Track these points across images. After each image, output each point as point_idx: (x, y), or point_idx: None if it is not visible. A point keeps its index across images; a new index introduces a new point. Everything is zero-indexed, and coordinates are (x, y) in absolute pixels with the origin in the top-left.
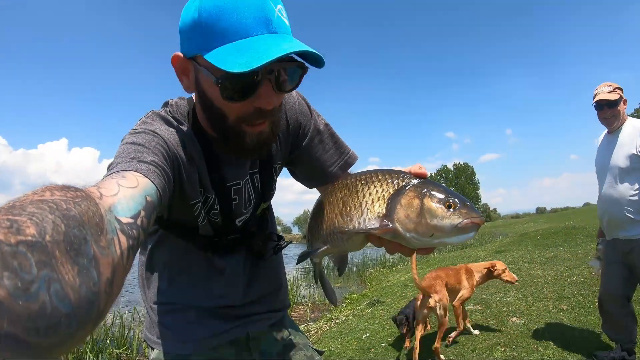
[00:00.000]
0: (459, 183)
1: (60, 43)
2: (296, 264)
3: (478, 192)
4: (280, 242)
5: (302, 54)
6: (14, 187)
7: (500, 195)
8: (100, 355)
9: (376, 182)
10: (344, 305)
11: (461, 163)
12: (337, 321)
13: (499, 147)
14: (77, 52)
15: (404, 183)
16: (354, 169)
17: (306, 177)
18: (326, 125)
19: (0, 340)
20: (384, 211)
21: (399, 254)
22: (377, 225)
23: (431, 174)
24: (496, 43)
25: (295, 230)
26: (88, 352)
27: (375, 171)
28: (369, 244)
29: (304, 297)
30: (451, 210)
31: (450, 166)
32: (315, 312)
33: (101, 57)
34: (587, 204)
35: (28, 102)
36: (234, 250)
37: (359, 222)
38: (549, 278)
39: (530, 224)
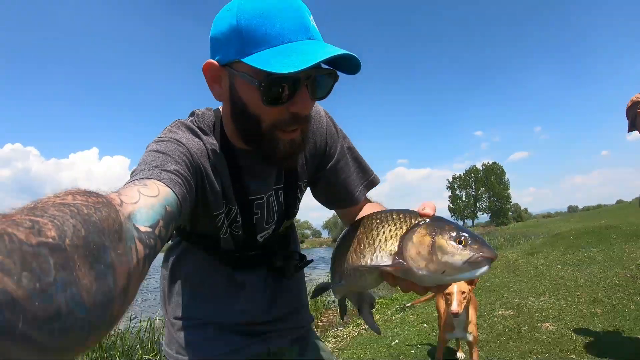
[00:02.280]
0: (489, 183)
1: (91, 54)
2: (310, 299)
3: (508, 191)
4: (302, 260)
5: (333, 61)
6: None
7: (531, 194)
8: None
9: (390, 222)
10: (374, 310)
11: (490, 162)
12: (366, 327)
13: (529, 145)
14: (108, 62)
15: (416, 222)
16: (374, 192)
17: (327, 198)
18: (350, 148)
19: (14, 340)
20: (396, 249)
21: None
22: (389, 262)
23: (460, 174)
24: (524, 37)
25: (325, 234)
26: (117, 357)
27: (391, 211)
28: (384, 282)
29: (333, 301)
30: (462, 246)
31: (479, 166)
32: (344, 317)
33: (132, 67)
34: (620, 201)
35: (60, 113)
36: (255, 266)
37: (371, 260)
38: (583, 281)
39: (563, 223)
